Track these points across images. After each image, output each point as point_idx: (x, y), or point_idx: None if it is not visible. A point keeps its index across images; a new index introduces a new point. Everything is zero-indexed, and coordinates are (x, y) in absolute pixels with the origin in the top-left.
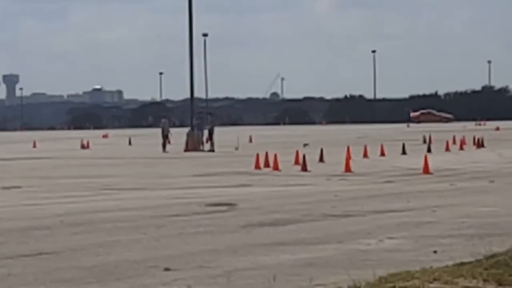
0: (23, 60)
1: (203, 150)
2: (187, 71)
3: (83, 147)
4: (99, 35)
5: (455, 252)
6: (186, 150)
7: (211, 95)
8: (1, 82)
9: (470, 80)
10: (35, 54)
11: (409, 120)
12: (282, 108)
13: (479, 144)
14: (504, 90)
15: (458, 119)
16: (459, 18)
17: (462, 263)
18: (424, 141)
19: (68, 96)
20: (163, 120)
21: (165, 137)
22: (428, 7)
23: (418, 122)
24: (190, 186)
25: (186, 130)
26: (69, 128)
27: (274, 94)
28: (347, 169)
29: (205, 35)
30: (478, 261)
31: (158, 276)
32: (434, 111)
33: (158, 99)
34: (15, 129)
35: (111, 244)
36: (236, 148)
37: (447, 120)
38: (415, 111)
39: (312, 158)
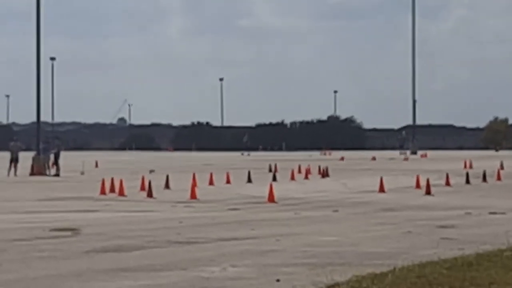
0: None
1: (48, 175)
2: (34, 94)
3: None
4: None
5: (297, 281)
6: (32, 174)
7: (58, 119)
8: None
9: (316, 110)
10: None
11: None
12: (129, 134)
13: (324, 173)
14: (349, 120)
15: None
16: (306, 48)
17: None
18: (270, 170)
19: None
20: (12, 143)
21: (14, 160)
22: (276, 36)
23: None
24: (34, 210)
25: (32, 154)
26: None
27: (122, 119)
28: (193, 196)
29: (52, 58)
30: None
31: None
32: None
33: (4, 122)
34: None
35: None
36: (82, 173)
37: None
38: None
39: (158, 184)
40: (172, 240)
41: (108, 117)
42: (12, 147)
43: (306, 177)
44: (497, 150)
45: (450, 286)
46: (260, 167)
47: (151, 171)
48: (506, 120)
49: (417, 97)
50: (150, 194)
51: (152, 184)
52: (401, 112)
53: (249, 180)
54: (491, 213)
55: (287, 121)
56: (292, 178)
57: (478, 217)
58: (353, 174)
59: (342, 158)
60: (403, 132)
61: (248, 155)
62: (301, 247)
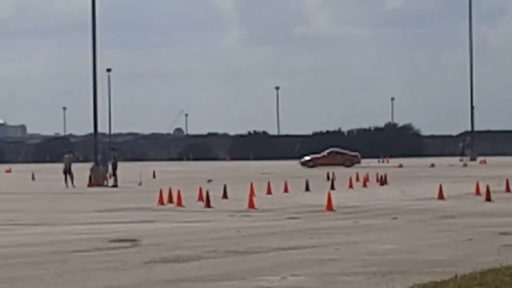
0: None
1: (106, 186)
2: (91, 106)
3: None
4: (1, 69)
5: None
6: (90, 185)
7: (115, 130)
8: None
9: (374, 117)
10: None
11: (302, 164)
12: (186, 144)
13: (382, 181)
14: (406, 127)
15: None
16: (363, 55)
17: None
18: (328, 178)
19: None
20: (66, 155)
21: (67, 172)
22: (332, 44)
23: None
24: (93, 221)
25: (89, 165)
26: None
27: (178, 129)
28: (251, 205)
29: (109, 70)
30: None
31: None
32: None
33: (62, 133)
34: None
35: (13, 280)
36: (140, 184)
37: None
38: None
39: (215, 194)
40: (231, 250)
41: (165, 128)
42: (65, 159)
43: (364, 185)
44: None
45: None
46: (317, 176)
47: (209, 181)
48: None
49: (475, 103)
50: (208, 204)
51: (210, 194)
52: (459, 118)
53: (307, 189)
54: None
55: (344, 129)
56: (350, 186)
57: None
58: (412, 181)
59: (400, 166)
60: (467, 138)
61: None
62: (361, 256)
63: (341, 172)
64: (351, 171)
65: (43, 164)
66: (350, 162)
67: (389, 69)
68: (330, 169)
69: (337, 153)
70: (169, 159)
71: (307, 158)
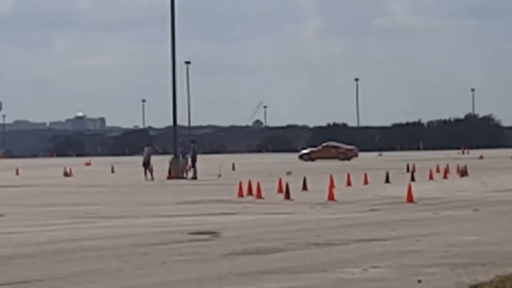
0: (6, 87)
1: (186, 178)
2: (170, 99)
3: (66, 174)
4: (82, 63)
5: (439, 281)
6: (169, 178)
7: (194, 123)
8: None
9: (454, 108)
10: (18, 81)
11: (300, 156)
12: (265, 136)
13: (463, 172)
14: (487, 118)
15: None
16: (443, 46)
17: None
18: (408, 170)
19: (51, 123)
20: (145, 148)
21: (146, 164)
22: (411, 34)
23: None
24: (172, 214)
25: (168, 157)
26: (51, 156)
27: (257, 121)
28: (331, 197)
29: (187, 62)
30: None
31: None
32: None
33: (141, 126)
34: None
35: (94, 272)
36: (219, 176)
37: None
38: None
39: (295, 186)
40: (311, 242)
41: (244, 120)
42: (145, 152)
43: (445, 177)
44: None
45: None
46: (397, 167)
47: (288, 173)
48: None
49: None
50: (287, 196)
51: (290, 186)
52: None
53: (387, 181)
54: None
55: (424, 121)
56: (431, 177)
57: None
58: (493, 172)
59: (481, 157)
60: None
61: (380, 155)
62: (442, 247)
63: (421, 164)
64: (431, 164)
65: (123, 156)
66: (344, 156)
67: (469, 60)
68: (326, 163)
69: (333, 146)
70: (248, 151)
71: (304, 151)
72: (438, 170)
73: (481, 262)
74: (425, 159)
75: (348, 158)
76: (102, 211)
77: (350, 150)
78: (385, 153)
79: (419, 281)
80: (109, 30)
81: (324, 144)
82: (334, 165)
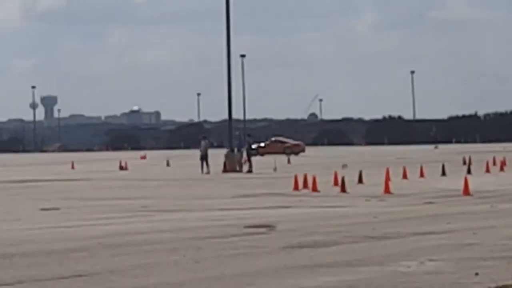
0: (61, 82)
1: (241, 171)
2: (225, 92)
3: (121, 168)
4: (136, 57)
5: (496, 274)
6: (224, 171)
7: (249, 116)
8: (39, 103)
9: (510, 101)
10: (73, 76)
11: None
12: (321, 129)
13: None
14: None
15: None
16: (499, 38)
17: (505, 286)
18: (464, 163)
19: (106, 117)
20: (202, 141)
21: (204, 158)
22: (468, 27)
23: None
24: (228, 207)
25: (223, 151)
26: (107, 149)
27: (313, 114)
28: (387, 190)
29: (242, 56)
30: None
31: None
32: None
33: (196, 120)
34: (53, 151)
35: (150, 266)
36: (274, 169)
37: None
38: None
39: (351, 179)
40: (367, 235)
41: (300, 113)
42: (202, 145)
43: (502, 169)
44: None
45: None
46: (453, 160)
47: (344, 166)
48: None
49: None
50: (343, 189)
51: (345, 179)
52: None
53: (443, 173)
54: None
55: (480, 113)
56: (487, 170)
57: None
58: None
59: None
60: None
61: (436, 147)
62: (499, 240)
63: (477, 157)
64: (488, 156)
65: (178, 150)
66: (290, 150)
67: None
68: (273, 157)
69: (279, 141)
70: (304, 144)
71: (253, 146)
72: (494, 163)
73: None
74: (481, 151)
75: (296, 153)
76: (157, 205)
77: (297, 145)
78: (440, 146)
79: (476, 274)
80: (164, 24)
81: (272, 139)
82: (386, 159)
